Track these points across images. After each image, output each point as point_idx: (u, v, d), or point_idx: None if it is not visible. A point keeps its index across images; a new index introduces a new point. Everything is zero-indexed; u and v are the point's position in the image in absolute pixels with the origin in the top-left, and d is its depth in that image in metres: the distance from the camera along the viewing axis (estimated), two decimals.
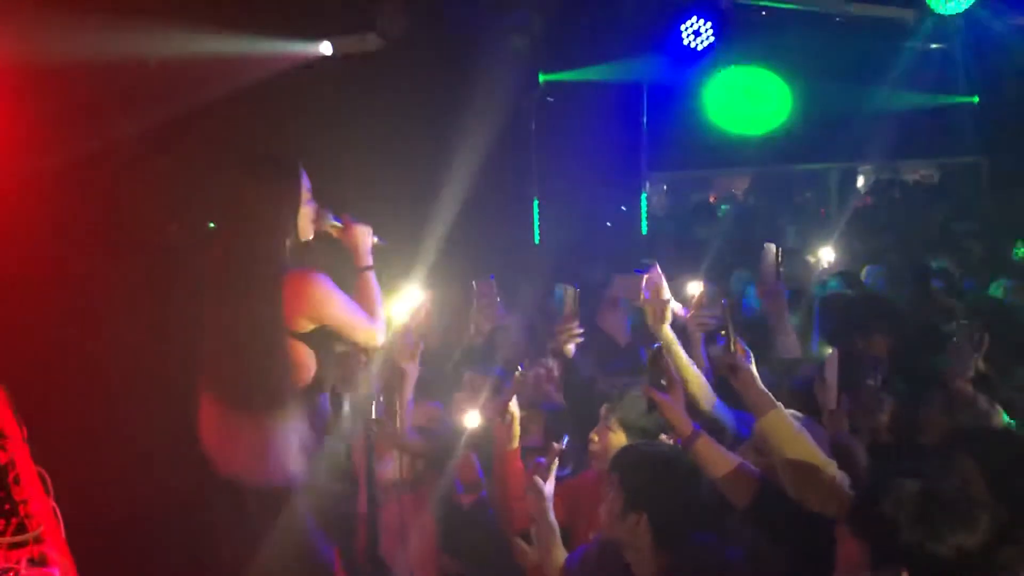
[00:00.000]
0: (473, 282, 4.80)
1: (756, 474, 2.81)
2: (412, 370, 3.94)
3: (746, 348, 3.10)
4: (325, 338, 3.41)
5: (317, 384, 3.46)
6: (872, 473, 3.14)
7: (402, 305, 4.00)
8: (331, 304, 3.36)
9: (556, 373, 4.32)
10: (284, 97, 5.48)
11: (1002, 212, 9.49)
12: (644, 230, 8.63)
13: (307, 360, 3.39)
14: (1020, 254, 7.87)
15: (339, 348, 3.60)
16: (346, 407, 3.61)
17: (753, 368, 3.02)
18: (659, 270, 3.99)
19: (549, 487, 3.29)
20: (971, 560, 2.21)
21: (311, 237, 3.46)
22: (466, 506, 3.68)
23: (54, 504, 2.70)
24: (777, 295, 4.41)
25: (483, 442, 3.79)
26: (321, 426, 3.53)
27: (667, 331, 3.74)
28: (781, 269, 4.40)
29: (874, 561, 2.29)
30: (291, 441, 3.34)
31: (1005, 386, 4.22)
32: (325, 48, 5.52)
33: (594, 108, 7.88)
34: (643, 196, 8.20)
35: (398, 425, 3.86)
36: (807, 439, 2.88)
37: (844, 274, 6.68)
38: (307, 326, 3.36)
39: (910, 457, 3.70)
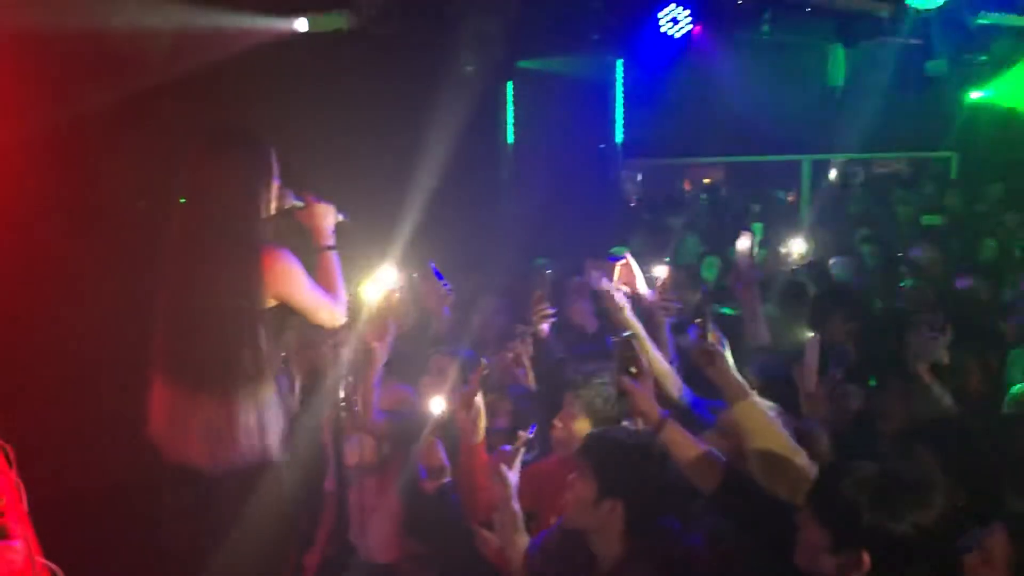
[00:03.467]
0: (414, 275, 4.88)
1: (722, 460, 2.82)
2: (380, 352, 3.91)
3: (720, 335, 3.12)
4: (282, 316, 3.35)
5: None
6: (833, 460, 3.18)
7: (376, 286, 3.98)
8: (296, 281, 3.30)
9: (527, 356, 4.32)
10: (257, 73, 5.42)
11: (970, 207, 9.60)
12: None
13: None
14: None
15: (288, 329, 3.57)
16: (297, 386, 3.54)
17: (728, 355, 3.04)
18: (632, 261, 4.00)
19: (514, 476, 3.27)
20: (928, 537, 2.26)
21: (271, 215, 3.38)
22: (430, 491, 3.67)
23: (16, 478, 2.67)
24: (751, 284, 4.44)
25: (449, 428, 3.78)
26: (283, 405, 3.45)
27: (632, 320, 3.74)
28: (755, 258, 4.44)
29: (835, 544, 2.33)
30: (263, 421, 3.25)
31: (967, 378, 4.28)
32: (300, 24, 5.46)
33: (569, 94, 7.87)
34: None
35: (364, 407, 3.84)
36: (778, 428, 2.90)
37: (811, 264, 6.73)
38: (269, 303, 3.29)
39: (871, 444, 3.75)
